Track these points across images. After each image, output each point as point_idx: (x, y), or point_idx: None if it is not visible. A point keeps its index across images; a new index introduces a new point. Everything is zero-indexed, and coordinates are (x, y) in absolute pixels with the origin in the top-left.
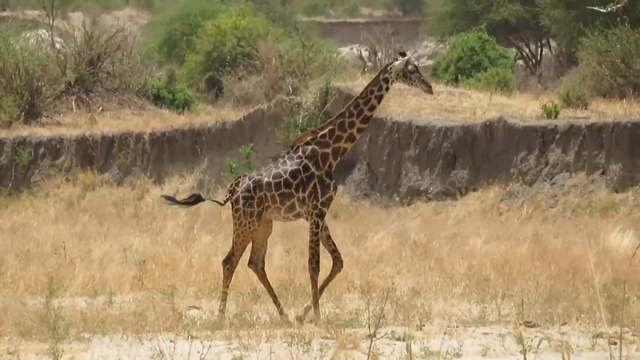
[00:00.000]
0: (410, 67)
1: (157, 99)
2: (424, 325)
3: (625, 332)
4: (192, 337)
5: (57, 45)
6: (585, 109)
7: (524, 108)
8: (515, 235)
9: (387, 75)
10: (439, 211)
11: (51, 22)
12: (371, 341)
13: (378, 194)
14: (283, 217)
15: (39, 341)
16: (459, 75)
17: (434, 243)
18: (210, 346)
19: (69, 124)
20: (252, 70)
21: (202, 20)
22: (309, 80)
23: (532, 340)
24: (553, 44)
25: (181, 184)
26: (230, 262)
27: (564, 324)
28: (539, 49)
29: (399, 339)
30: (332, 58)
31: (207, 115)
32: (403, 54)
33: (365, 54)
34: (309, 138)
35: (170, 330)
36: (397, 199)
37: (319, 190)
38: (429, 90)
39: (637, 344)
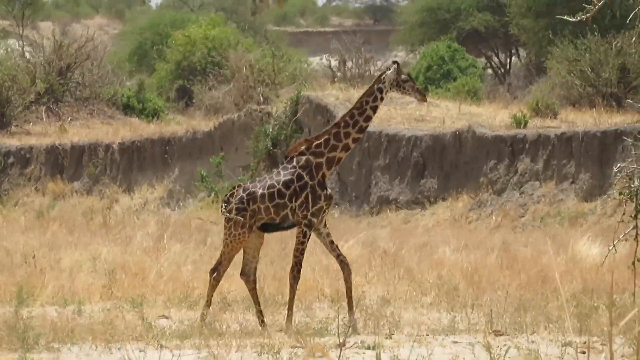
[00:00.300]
0: (403, 76)
1: (127, 109)
2: (393, 334)
3: (594, 342)
4: (161, 347)
5: (27, 55)
6: (555, 118)
7: (493, 117)
8: (484, 245)
9: (381, 85)
10: (409, 220)
11: (21, 31)
12: (340, 350)
13: (348, 203)
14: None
15: (8, 351)
16: (428, 85)
17: (404, 252)
18: (179, 355)
19: (39, 134)
20: (223, 80)
21: (172, 30)
22: (279, 89)
23: (501, 349)
24: (522, 53)
25: (151, 194)
26: (217, 272)
27: (533, 332)
28: (508, 58)
29: (368, 348)
30: (302, 68)
31: (177, 125)
32: (396, 63)
33: (334, 63)
34: (303, 148)
35: (140, 340)
36: (367, 208)
37: (310, 201)
38: (423, 99)
39: (605, 353)
